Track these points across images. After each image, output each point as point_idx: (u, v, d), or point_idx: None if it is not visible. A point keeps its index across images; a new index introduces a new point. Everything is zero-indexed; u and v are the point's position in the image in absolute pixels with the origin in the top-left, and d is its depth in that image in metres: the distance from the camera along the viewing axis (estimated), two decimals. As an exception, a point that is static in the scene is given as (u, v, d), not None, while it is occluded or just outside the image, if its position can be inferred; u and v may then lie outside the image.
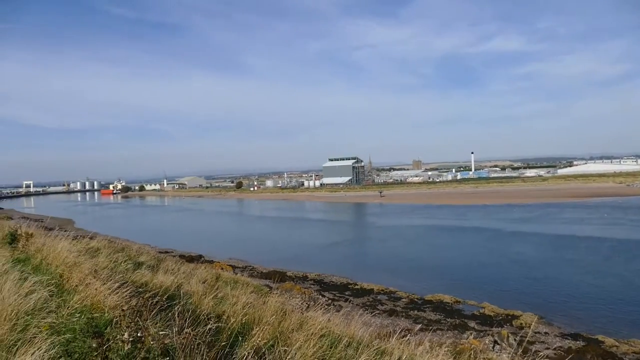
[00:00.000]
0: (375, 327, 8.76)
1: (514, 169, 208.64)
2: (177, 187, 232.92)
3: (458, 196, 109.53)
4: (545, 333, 20.21)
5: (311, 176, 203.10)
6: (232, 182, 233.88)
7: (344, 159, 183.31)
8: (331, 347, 5.97)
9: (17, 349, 4.28)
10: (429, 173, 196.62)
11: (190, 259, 32.71)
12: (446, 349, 7.52)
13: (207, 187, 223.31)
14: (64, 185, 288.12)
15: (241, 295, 9.05)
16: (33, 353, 4.05)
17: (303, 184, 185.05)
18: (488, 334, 18.44)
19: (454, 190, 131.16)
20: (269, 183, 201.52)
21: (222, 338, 4.70)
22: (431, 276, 31.69)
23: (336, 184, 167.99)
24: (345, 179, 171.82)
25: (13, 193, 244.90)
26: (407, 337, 7.30)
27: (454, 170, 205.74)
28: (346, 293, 27.42)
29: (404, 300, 25.93)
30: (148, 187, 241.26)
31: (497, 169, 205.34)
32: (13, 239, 13.78)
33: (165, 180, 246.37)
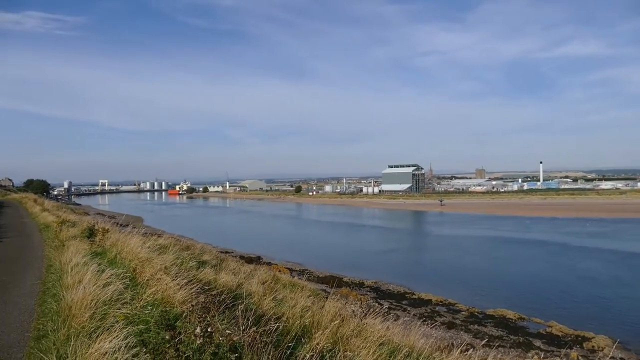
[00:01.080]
0: (434, 339, 8.55)
1: (587, 180, 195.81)
2: (238, 189, 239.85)
3: (524, 207, 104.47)
4: (622, 359, 18.75)
5: (370, 182, 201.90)
6: (292, 186, 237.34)
7: (403, 166, 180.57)
8: (390, 356, 5.91)
9: (97, 336, 4.59)
10: (493, 182, 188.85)
11: (250, 260, 33.52)
12: (511, 367, 7.21)
13: (267, 191, 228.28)
14: (135, 184, 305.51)
15: (299, 298, 9.16)
16: (111, 340, 4.32)
17: (361, 190, 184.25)
18: (556, 355, 17.40)
19: (520, 201, 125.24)
20: (328, 188, 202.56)
21: (285, 339, 4.79)
22: (492, 290, 30.43)
23: (395, 191, 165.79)
24: (404, 186, 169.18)
25: (90, 191, 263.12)
26: (469, 352, 7.07)
27: (520, 180, 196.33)
28: (403, 302, 26.94)
29: (463, 313, 25.07)
30: (211, 189, 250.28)
31: (568, 180, 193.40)
32: (91, 233, 14.82)
33: (227, 183, 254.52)
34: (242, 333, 4.12)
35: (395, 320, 12.45)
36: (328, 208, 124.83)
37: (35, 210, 35.82)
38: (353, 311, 11.30)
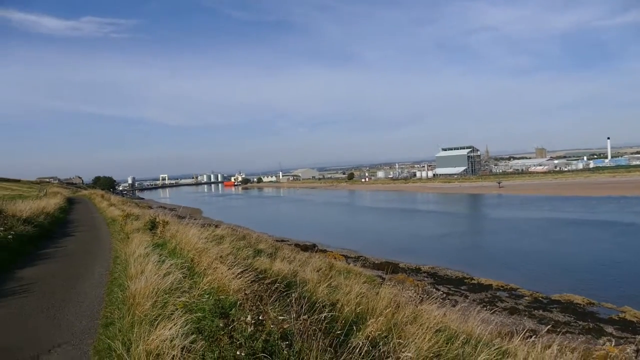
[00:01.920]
0: (495, 326, 8.26)
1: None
2: (291, 178, 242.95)
3: (590, 187, 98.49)
4: None
5: (423, 167, 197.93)
6: (344, 173, 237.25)
7: (458, 148, 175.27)
8: (447, 343, 5.77)
9: (158, 323, 4.79)
10: (555, 161, 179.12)
11: (305, 247, 33.91)
12: (578, 354, 6.83)
13: (319, 179, 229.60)
14: (192, 178, 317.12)
15: (354, 285, 9.14)
16: (171, 328, 4.49)
17: (415, 175, 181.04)
18: (630, 342, 16.38)
19: (586, 180, 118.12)
20: (380, 174, 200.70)
21: (337, 326, 4.78)
22: (556, 274, 29.01)
23: (450, 175, 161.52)
24: (459, 169, 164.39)
25: (152, 185, 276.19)
26: (533, 339, 6.77)
27: (585, 157, 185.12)
28: (462, 288, 26.32)
29: (526, 298, 24.13)
30: (265, 179, 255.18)
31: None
32: (153, 225, 15.52)
33: (280, 173, 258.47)
34: (294, 321, 4.16)
35: (453, 306, 12.18)
36: (381, 194, 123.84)
37: (102, 205, 38.03)
38: (409, 297, 11.15)
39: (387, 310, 6.50)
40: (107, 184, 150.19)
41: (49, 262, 12.13)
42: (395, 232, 52.54)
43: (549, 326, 16.19)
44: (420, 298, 9.21)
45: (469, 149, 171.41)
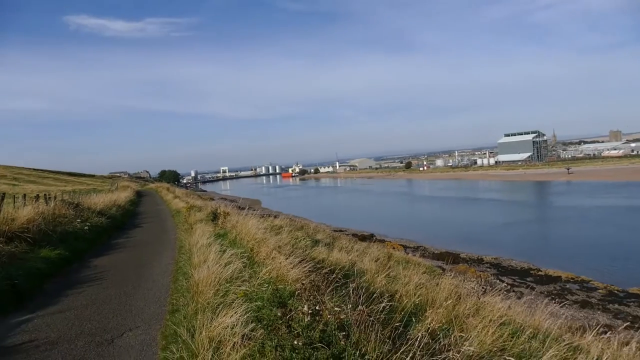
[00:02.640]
0: (564, 320, 7.82)
1: None
2: (348, 168, 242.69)
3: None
4: None
5: (484, 154, 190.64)
6: (401, 162, 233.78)
7: (522, 134, 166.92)
8: (512, 337, 5.52)
9: (220, 311, 4.94)
10: (632, 145, 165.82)
11: (363, 237, 33.80)
12: (661, 353, 6.31)
13: (376, 168, 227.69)
14: (251, 169, 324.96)
15: (413, 276, 8.98)
16: (231, 316, 4.62)
17: (476, 162, 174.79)
18: None
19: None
20: (439, 162, 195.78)
21: (396, 317, 4.70)
22: (633, 265, 27.03)
23: (513, 161, 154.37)
24: (524, 156, 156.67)
25: (213, 178, 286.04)
26: (607, 335, 6.34)
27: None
28: (527, 279, 25.19)
29: (600, 291, 22.69)
30: (322, 170, 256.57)
31: None
32: (214, 216, 16.06)
33: (337, 163, 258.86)
34: (351, 311, 4.14)
35: (518, 298, 11.67)
36: (440, 183, 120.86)
37: (168, 197, 39.89)
38: (471, 289, 10.81)
39: (448, 302, 6.32)
40: (171, 177, 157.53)
41: (121, 251, 12.91)
42: (456, 222, 51.11)
43: (626, 322, 15.11)
44: (483, 289, 8.90)
45: (534, 134, 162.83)
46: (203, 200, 35.62)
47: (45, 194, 18.78)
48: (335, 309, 4.06)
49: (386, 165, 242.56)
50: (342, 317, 3.91)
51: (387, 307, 5.19)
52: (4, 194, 14.77)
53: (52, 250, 11.00)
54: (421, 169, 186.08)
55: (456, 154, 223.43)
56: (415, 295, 7.19)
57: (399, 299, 6.83)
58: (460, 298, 7.42)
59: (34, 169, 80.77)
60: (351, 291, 5.34)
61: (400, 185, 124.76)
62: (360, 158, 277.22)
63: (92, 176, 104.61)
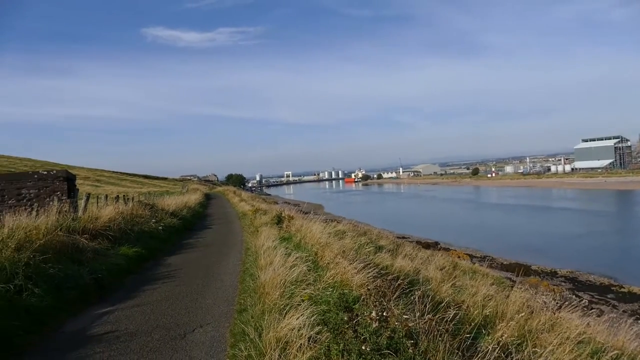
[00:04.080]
0: (652, 342, 7.19)
1: None
2: (412, 174, 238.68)
3: None
4: None
5: (559, 160, 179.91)
6: (468, 168, 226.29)
7: (602, 139, 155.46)
8: (592, 357, 5.17)
9: (286, 313, 5.04)
10: None
11: (427, 245, 33.06)
12: None
13: (441, 175, 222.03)
14: (314, 174, 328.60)
15: (480, 286, 8.66)
16: (297, 318, 4.69)
17: (549, 169, 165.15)
18: None
19: None
20: (509, 169, 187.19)
21: (465, 328, 4.56)
22: None
23: (592, 169, 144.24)
24: (604, 163, 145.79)
25: (277, 182, 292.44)
26: None
27: None
28: (608, 296, 23.40)
29: (693, 312, 20.61)
30: (385, 175, 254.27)
31: None
32: (279, 220, 16.40)
33: (400, 168, 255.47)
34: (419, 319, 4.07)
35: (597, 316, 10.88)
36: (510, 190, 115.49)
37: (234, 200, 41.25)
38: (544, 303, 10.24)
39: (520, 315, 6.03)
40: (238, 181, 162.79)
41: (191, 251, 13.52)
42: (526, 231, 48.59)
43: None
44: (558, 305, 8.39)
45: (617, 139, 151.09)
46: (267, 204, 36.49)
47: (124, 195, 20.12)
48: (404, 316, 4.02)
49: (451, 171, 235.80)
50: (410, 324, 3.86)
51: (455, 317, 5.05)
52: (89, 194, 16.00)
53: (130, 248, 11.75)
54: (489, 175, 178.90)
55: (527, 160, 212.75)
56: (483, 306, 6.94)
57: (466, 310, 6.62)
58: (532, 312, 7.06)
59: (114, 172, 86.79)
60: (417, 299, 5.25)
61: (466, 192, 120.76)
62: (425, 164, 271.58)
63: (165, 179, 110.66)
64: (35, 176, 16.05)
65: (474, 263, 26.61)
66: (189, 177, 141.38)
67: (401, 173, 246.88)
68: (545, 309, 7.78)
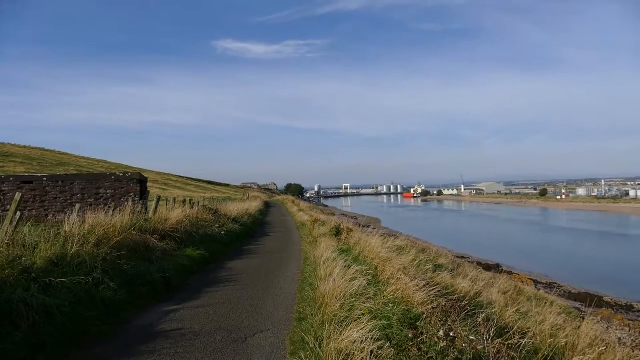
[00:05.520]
0: None
1: None
2: (474, 192, 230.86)
3: None
4: None
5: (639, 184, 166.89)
6: (535, 189, 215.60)
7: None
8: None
9: (346, 325, 5.05)
10: None
11: (488, 267, 31.79)
12: None
13: (505, 194, 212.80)
14: (373, 188, 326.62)
15: (547, 314, 8.22)
16: (358, 331, 4.69)
17: (627, 194, 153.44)
18: None
19: None
20: (581, 191, 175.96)
21: (535, 358, 4.35)
22: None
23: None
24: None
25: (335, 193, 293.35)
26: None
27: None
28: (692, 336, 21.27)
29: None
30: (445, 192, 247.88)
31: None
32: (337, 232, 16.44)
33: (462, 186, 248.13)
34: (486, 343, 3.93)
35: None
36: (581, 214, 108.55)
37: (293, 210, 41.85)
38: (619, 339, 9.55)
39: (594, 350, 5.66)
40: (296, 190, 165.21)
41: (252, 257, 13.87)
42: (599, 259, 45.39)
43: None
44: (636, 342, 7.78)
45: None
46: (325, 215, 36.71)
47: (190, 199, 21.02)
48: (471, 337, 3.90)
49: (517, 191, 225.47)
50: (478, 347, 3.74)
51: (521, 344, 4.83)
52: (159, 196, 16.88)
53: (195, 250, 12.26)
54: (558, 197, 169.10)
55: (602, 183, 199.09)
56: (552, 336, 6.58)
57: (533, 338, 6.30)
58: (607, 347, 6.60)
59: (180, 176, 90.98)
60: (481, 322, 5.07)
61: (532, 214, 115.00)
62: (488, 182, 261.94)
63: (227, 185, 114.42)
64: (112, 177, 17.20)
65: (539, 289, 25.19)
66: (249, 185, 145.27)
67: (463, 190, 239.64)
68: (621, 345, 7.25)
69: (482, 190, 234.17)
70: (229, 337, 6.00)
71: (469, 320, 5.23)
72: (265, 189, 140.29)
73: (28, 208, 15.64)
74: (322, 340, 4.89)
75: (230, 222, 20.36)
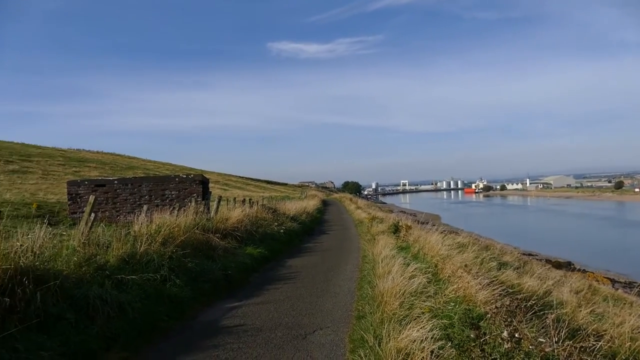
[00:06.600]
0: None
1: None
2: (540, 186, 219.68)
3: None
4: None
5: None
6: (609, 181, 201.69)
7: None
8: None
9: (406, 324, 4.96)
10: None
11: (558, 265, 30.11)
12: None
13: (576, 187, 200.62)
14: (432, 184, 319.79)
15: (627, 316, 7.64)
16: (418, 330, 4.59)
17: None
18: None
19: None
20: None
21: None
22: None
23: None
24: None
25: (393, 190, 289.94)
26: None
27: None
28: None
29: None
30: (509, 187, 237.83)
31: None
32: (396, 229, 16.23)
33: (527, 180, 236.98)
34: (556, 345, 3.71)
35: None
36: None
37: (351, 207, 41.81)
38: None
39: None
40: (354, 188, 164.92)
41: (310, 254, 14.00)
42: (685, 257, 41.65)
43: None
44: None
45: None
46: (383, 212, 36.36)
47: (249, 199, 21.57)
48: (540, 339, 3.69)
49: (589, 184, 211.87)
50: (546, 349, 3.54)
51: (596, 347, 4.52)
52: (220, 196, 17.44)
53: (255, 248, 12.55)
54: (637, 189, 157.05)
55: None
56: (630, 339, 6.11)
57: (611, 341, 5.88)
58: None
59: (240, 176, 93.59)
60: (550, 323, 4.80)
61: (606, 208, 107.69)
62: (556, 175, 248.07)
63: (285, 184, 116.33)
64: (177, 179, 18.00)
65: (617, 289, 23.53)
66: (307, 184, 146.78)
67: (528, 184, 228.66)
68: None
69: (550, 184, 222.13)
70: (289, 333, 6.08)
71: (537, 321, 4.97)
72: (322, 188, 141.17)
73: (101, 209, 16.72)
74: (382, 338, 4.84)
75: (288, 220, 20.66)
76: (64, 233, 7.52)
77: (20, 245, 5.29)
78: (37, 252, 5.55)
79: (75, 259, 6.15)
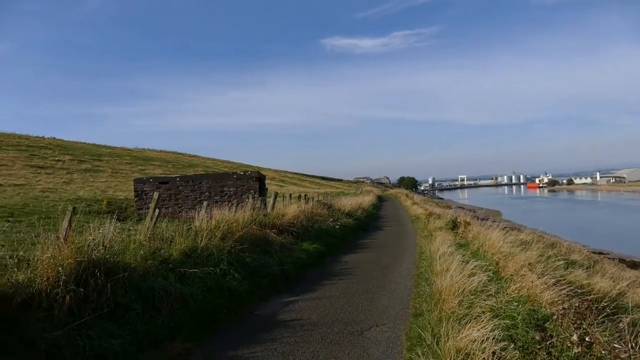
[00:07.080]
0: None
1: None
2: (612, 180, 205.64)
3: None
4: None
5: None
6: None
7: None
8: None
9: (466, 323, 4.80)
10: None
11: (633, 264, 28.06)
12: None
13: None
14: (492, 178, 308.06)
15: None
16: (479, 330, 4.43)
17: None
18: None
19: None
20: None
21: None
22: None
23: None
24: None
25: (451, 185, 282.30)
26: None
27: None
28: None
29: None
30: (576, 181, 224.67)
31: None
32: (454, 225, 15.80)
33: (597, 173, 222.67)
34: (632, 351, 3.44)
35: None
36: None
37: (407, 203, 41.17)
38: None
39: None
40: (410, 183, 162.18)
41: (366, 250, 13.93)
42: None
43: None
44: None
45: None
46: (441, 208, 35.50)
47: (305, 195, 21.78)
48: (614, 345, 3.45)
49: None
50: (622, 355, 3.29)
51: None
52: (276, 193, 17.74)
53: (311, 244, 12.65)
54: None
55: None
56: None
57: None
58: None
59: (295, 173, 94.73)
60: (625, 327, 4.47)
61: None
62: (632, 168, 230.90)
63: (340, 180, 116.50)
64: (234, 176, 18.50)
65: (701, 291, 21.60)
66: (362, 179, 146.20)
67: (598, 178, 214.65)
68: None
69: (623, 177, 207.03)
70: (345, 329, 6.08)
71: (609, 324, 4.64)
72: (377, 183, 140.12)
73: (165, 206, 17.50)
74: (440, 337, 4.73)
75: (344, 216, 20.66)
76: (131, 228, 7.92)
77: (93, 239, 5.64)
78: (107, 245, 5.90)
79: (142, 252, 6.47)
